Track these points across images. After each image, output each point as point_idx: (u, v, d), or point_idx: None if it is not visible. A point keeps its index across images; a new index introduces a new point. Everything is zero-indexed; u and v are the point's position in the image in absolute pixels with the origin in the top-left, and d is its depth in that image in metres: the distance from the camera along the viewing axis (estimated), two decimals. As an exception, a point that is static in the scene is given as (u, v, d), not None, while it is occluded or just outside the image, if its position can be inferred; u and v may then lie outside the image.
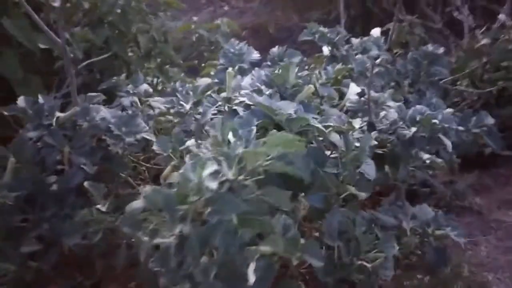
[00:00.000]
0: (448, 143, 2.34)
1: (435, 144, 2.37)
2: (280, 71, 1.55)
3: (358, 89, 2.13)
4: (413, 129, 1.67)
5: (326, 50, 2.63)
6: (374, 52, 2.82)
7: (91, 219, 1.55)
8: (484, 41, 3.01)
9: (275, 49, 2.69)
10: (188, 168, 1.11)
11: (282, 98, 1.51)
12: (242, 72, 2.10)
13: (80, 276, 1.73)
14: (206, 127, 1.55)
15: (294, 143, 1.09)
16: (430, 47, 2.84)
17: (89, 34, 3.14)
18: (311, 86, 1.50)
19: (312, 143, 1.47)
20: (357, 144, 1.50)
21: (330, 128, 1.46)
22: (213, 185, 1.02)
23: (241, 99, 1.48)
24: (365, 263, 1.29)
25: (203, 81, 2.12)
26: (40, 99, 1.88)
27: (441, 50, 2.81)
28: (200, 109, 1.74)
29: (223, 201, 1.02)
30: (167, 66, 4.02)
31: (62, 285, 1.68)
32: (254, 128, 1.16)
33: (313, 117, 1.45)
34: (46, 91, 2.86)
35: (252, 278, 1.00)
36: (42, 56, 2.90)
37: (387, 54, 2.85)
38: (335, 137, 1.42)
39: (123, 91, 2.32)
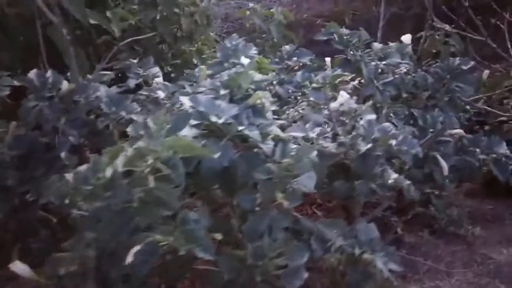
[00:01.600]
0: (444, 165, 2.24)
1: (431, 163, 2.28)
2: (236, 74, 1.60)
3: (346, 98, 2.09)
4: (367, 146, 1.64)
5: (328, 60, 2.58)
6: (394, 59, 2.71)
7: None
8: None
9: (287, 47, 2.71)
10: (105, 154, 1.24)
11: (232, 101, 1.57)
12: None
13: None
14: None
15: (193, 149, 1.17)
16: (457, 61, 2.67)
17: (129, 15, 3.39)
18: (259, 92, 1.53)
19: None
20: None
21: (271, 135, 1.50)
22: (108, 173, 1.14)
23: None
24: (268, 269, 1.34)
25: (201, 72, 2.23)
26: (48, 73, 2.12)
27: (468, 65, 2.63)
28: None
29: (114, 187, 1.14)
30: (211, 50, 4.17)
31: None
32: (167, 126, 1.25)
33: (257, 124, 1.50)
34: (90, 64, 3.17)
35: (130, 259, 1.11)
36: (88, 31, 3.20)
37: (409, 63, 2.73)
38: (266, 145, 1.45)
39: (132, 73, 2.50)
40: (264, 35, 5.52)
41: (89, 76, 2.38)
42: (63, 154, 1.86)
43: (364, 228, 1.62)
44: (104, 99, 2.07)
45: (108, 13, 3.24)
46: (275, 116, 2.28)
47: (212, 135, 1.44)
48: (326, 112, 1.98)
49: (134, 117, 2.09)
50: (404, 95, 2.60)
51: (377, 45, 2.78)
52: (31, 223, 1.93)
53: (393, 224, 2.38)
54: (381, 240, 1.58)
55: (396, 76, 2.64)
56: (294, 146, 1.50)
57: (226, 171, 1.44)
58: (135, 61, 2.59)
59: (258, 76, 1.71)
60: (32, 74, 2.10)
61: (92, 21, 3.01)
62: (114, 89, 2.48)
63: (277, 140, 1.50)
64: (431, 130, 2.33)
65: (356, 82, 2.54)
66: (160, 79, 2.65)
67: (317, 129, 1.72)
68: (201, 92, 1.64)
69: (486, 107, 2.63)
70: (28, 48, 2.80)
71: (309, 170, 1.50)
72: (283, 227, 1.43)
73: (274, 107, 1.98)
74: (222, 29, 5.39)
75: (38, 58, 2.66)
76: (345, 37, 2.65)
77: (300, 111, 2.11)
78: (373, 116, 1.88)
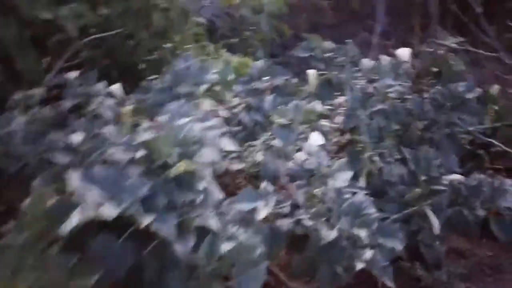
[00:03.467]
0: (435, 222, 1.84)
1: (419, 219, 1.89)
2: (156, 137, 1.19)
3: (317, 143, 1.68)
4: (332, 235, 1.23)
5: (311, 74, 2.15)
6: (386, 81, 2.27)
7: None
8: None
9: (259, 63, 2.28)
10: None
11: (150, 170, 1.18)
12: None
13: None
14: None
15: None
16: (460, 87, 2.23)
17: (86, 10, 2.94)
18: (184, 162, 1.13)
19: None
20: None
21: (194, 224, 1.10)
22: None
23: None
24: None
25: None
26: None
27: (473, 93, 2.19)
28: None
29: None
30: (191, 46, 3.73)
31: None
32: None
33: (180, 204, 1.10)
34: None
35: None
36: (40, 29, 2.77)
37: (404, 84, 2.30)
38: (182, 245, 1.06)
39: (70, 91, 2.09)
40: (254, 27, 5.08)
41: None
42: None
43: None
44: (18, 134, 1.67)
45: (63, 10, 2.79)
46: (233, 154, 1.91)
47: (108, 228, 1.04)
48: (290, 163, 1.57)
49: (57, 156, 1.69)
50: (395, 127, 2.17)
51: (366, 63, 2.35)
52: None
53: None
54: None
55: (387, 102, 2.22)
56: (228, 243, 1.10)
57: (131, 276, 1.05)
58: (75, 74, 2.17)
59: (195, 130, 1.30)
60: None
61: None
62: (48, 110, 2.09)
63: (201, 231, 1.10)
64: (423, 177, 1.92)
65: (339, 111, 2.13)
66: (118, 89, 2.26)
67: (271, 200, 1.31)
68: (114, 152, 1.23)
69: (501, 145, 2.19)
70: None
71: (252, 268, 1.11)
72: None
73: (232, 146, 1.61)
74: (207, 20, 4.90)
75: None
76: (327, 54, 2.22)
77: (259, 156, 1.70)
78: (347, 176, 1.47)
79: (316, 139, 1.69)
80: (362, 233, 1.20)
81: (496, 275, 2.27)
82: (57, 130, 1.87)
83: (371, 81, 2.27)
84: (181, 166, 1.13)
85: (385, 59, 2.37)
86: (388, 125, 2.17)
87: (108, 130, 1.47)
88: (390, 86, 2.26)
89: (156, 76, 2.82)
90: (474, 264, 2.31)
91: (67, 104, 2.03)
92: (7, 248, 0.98)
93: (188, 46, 3.68)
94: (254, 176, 1.98)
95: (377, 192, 1.94)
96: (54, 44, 2.92)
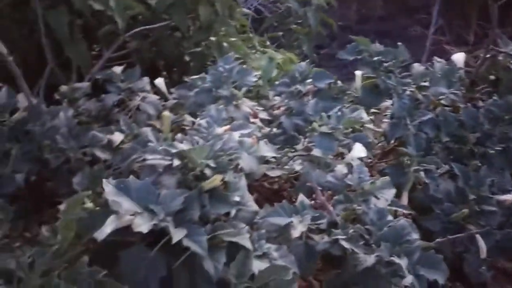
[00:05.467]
0: (483, 246, 1.72)
1: (465, 241, 1.78)
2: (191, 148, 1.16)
3: (360, 155, 1.60)
4: (371, 260, 1.16)
5: (358, 75, 2.05)
6: (438, 89, 2.14)
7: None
8: None
9: (303, 65, 2.20)
10: None
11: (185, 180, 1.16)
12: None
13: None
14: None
15: None
16: (521, 98, 2.06)
17: (135, 2, 2.97)
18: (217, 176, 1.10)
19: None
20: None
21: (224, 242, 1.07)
22: None
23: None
24: None
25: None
26: (1, 92, 1.77)
27: (534, 105, 2.02)
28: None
29: None
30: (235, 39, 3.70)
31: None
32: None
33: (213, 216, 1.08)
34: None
35: None
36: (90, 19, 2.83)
37: (457, 93, 2.15)
38: (213, 263, 1.03)
39: (113, 86, 2.11)
40: (300, 21, 4.97)
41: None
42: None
43: None
44: (62, 129, 1.71)
45: (113, 1, 2.83)
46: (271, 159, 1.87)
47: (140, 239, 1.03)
48: (329, 176, 1.51)
49: (98, 153, 1.72)
50: (445, 139, 2.04)
51: (417, 68, 2.21)
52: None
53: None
54: None
55: (437, 111, 2.09)
56: (260, 262, 1.07)
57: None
58: (119, 69, 2.19)
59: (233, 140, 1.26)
60: (-12, 89, 1.76)
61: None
62: (93, 104, 2.13)
63: (233, 247, 1.07)
64: (472, 196, 1.80)
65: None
66: (162, 84, 2.26)
67: (307, 216, 1.26)
68: (152, 159, 1.22)
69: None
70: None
71: None
72: None
73: (271, 153, 1.57)
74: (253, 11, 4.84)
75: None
76: (376, 58, 2.10)
77: (297, 166, 1.65)
78: (390, 195, 1.39)
79: (359, 150, 1.61)
80: (403, 263, 1.12)
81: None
82: (100, 125, 1.91)
83: (421, 87, 2.14)
84: (216, 180, 1.10)
85: (438, 64, 2.23)
86: (437, 136, 2.05)
87: (148, 132, 1.47)
88: (442, 94, 2.13)
89: (200, 72, 2.83)
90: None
91: (110, 99, 2.06)
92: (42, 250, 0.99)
93: (233, 39, 3.66)
94: (291, 184, 1.93)
95: (421, 208, 1.85)
96: (103, 35, 2.98)
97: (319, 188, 1.43)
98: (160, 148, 1.19)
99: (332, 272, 1.34)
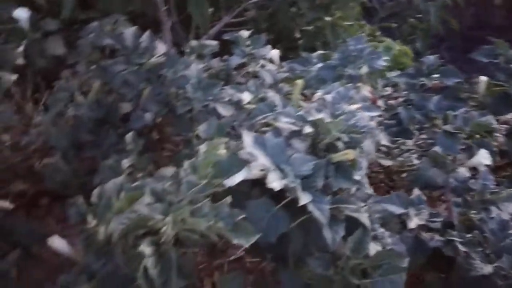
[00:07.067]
0: None
1: None
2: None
3: (485, 162, 1.51)
4: (488, 269, 1.11)
5: (483, 81, 1.91)
6: None
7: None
8: None
9: (431, 58, 2.10)
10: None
11: (315, 148, 1.18)
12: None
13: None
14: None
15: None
16: None
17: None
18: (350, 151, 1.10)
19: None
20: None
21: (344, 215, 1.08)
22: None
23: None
24: None
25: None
26: (144, 37, 1.91)
27: None
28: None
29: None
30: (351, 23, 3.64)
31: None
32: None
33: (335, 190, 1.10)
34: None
35: None
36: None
37: None
38: (333, 233, 1.05)
39: (238, 49, 2.19)
40: (419, 15, 4.72)
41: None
42: (128, 137, 1.68)
43: None
44: (192, 80, 1.81)
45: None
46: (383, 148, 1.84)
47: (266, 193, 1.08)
48: (450, 177, 1.45)
49: (220, 108, 1.81)
50: None
51: None
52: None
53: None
54: None
55: None
56: (376, 244, 1.07)
57: (278, 244, 1.10)
58: (246, 33, 2.25)
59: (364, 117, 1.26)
60: (128, 33, 1.92)
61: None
62: (217, 62, 2.23)
63: (351, 223, 1.09)
64: None
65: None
66: (277, 56, 2.31)
67: (424, 210, 1.24)
68: (285, 122, 1.25)
69: None
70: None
71: (394, 274, 1.07)
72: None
73: (386, 141, 1.55)
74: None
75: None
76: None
77: (414, 159, 1.60)
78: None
79: (484, 156, 1.52)
80: (526, 279, 1.07)
81: None
82: (222, 83, 2.00)
83: None
84: (348, 155, 1.11)
85: None
86: None
87: (276, 97, 1.51)
88: None
89: (306, 51, 2.82)
90: None
91: (234, 61, 2.14)
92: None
93: (348, 23, 3.59)
94: (399, 176, 1.89)
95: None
96: (225, 0, 3.09)
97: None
98: (297, 114, 1.22)
99: (435, 274, 1.31)
